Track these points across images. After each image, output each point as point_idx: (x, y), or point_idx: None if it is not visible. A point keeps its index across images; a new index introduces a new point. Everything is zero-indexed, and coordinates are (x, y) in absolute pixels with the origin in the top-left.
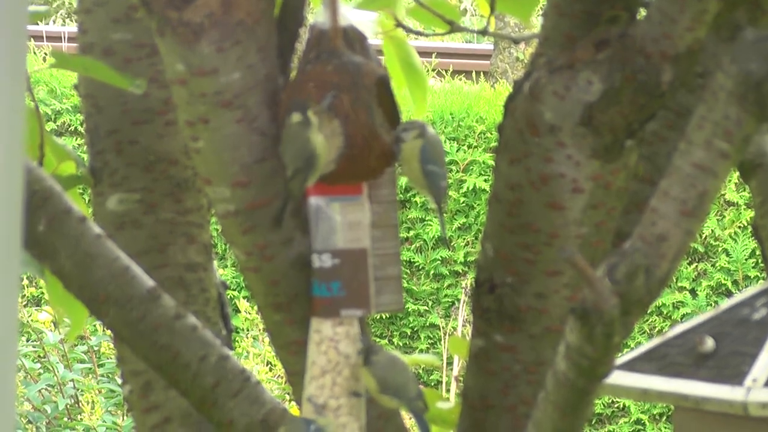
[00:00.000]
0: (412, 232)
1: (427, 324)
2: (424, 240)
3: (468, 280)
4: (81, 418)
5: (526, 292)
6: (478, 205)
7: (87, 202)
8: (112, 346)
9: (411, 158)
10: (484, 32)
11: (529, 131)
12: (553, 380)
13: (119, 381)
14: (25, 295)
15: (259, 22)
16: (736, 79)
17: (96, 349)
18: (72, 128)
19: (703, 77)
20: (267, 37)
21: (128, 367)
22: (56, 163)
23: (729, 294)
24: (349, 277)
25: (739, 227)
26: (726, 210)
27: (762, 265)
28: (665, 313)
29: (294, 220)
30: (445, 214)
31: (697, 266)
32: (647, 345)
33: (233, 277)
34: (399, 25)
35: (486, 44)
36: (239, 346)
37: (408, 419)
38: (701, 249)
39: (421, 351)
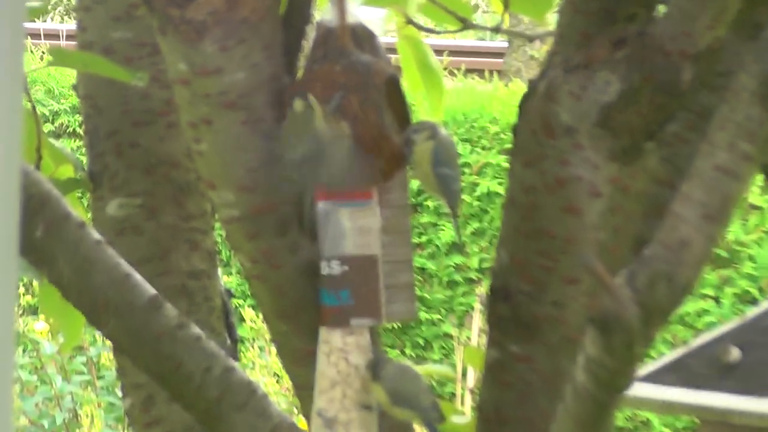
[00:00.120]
0: (424, 238)
1: (441, 334)
2: (437, 246)
3: (483, 288)
4: None
5: (542, 300)
6: (492, 209)
7: (86, 206)
8: (112, 357)
9: (422, 161)
10: (497, 30)
11: (544, 133)
12: (572, 393)
13: (120, 394)
14: (21, 304)
15: (264, 20)
16: (759, 79)
17: (95, 360)
18: (70, 130)
19: (724, 77)
20: (272, 35)
21: (129, 380)
22: (54, 166)
23: (755, 302)
24: (359, 284)
25: (764, 232)
26: (750, 214)
27: None
28: (688, 322)
29: (300, 225)
30: (458, 219)
31: (720, 273)
32: (670, 356)
33: (238, 285)
34: (409, 22)
35: (499, 42)
36: (245, 357)
37: None
38: (725, 255)
39: (435, 362)
